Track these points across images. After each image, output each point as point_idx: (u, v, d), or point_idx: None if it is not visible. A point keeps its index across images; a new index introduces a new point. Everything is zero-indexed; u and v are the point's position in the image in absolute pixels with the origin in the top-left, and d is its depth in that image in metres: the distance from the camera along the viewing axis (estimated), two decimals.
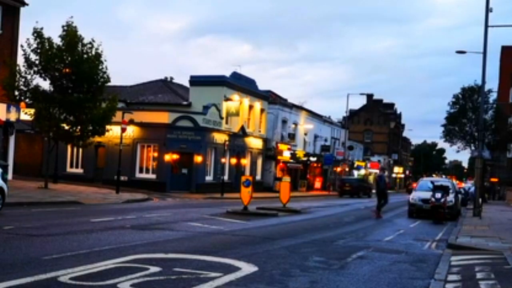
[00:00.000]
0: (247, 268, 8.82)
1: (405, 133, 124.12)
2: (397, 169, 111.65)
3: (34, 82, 27.62)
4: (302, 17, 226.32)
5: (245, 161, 46.66)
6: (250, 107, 46.93)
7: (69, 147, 37.91)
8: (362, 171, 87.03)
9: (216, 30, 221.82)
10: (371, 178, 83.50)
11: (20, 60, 28.10)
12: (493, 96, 60.56)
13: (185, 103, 41.78)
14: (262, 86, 51.34)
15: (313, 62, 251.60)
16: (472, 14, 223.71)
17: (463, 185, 73.28)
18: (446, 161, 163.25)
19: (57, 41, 27.31)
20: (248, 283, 7.76)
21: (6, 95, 27.99)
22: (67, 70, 27.36)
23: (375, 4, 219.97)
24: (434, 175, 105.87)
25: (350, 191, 50.81)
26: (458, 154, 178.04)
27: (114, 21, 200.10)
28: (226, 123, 42.48)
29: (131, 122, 34.62)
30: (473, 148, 56.43)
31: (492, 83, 62.43)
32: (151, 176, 38.04)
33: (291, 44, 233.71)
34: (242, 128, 45.23)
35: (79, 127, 28.25)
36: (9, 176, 27.56)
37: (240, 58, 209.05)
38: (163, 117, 38.11)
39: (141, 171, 38.50)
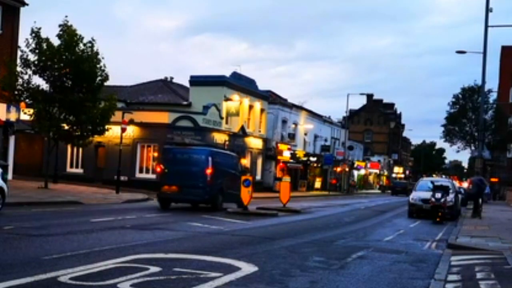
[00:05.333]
0: (247, 268, 8.82)
1: (405, 133, 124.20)
2: (397, 169, 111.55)
3: (33, 82, 27.62)
4: (300, 15, 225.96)
5: (245, 161, 46.61)
6: (250, 107, 46.92)
7: (69, 147, 37.91)
8: (362, 171, 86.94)
9: (213, 28, 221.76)
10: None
11: (20, 60, 28.06)
12: (493, 96, 60.63)
13: (185, 103, 41.78)
14: (261, 85, 51.44)
15: (312, 61, 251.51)
16: (472, 13, 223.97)
17: (463, 185, 73.19)
18: (446, 161, 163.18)
19: (55, 40, 27.31)
20: (248, 283, 7.75)
21: (6, 95, 27.97)
22: (66, 69, 27.33)
23: (374, 2, 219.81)
24: (434, 175, 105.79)
25: (400, 191, 65.64)
26: (458, 154, 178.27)
27: (110, 19, 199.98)
28: (226, 123, 42.47)
29: (131, 122, 34.59)
30: (473, 148, 56.52)
31: (492, 83, 62.46)
32: (151, 176, 37.92)
33: (289, 43, 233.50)
34: (242, 128, 45.22)
35: (79, 127, 28.24)
36: (9, 176, 27.54)
37: (238, 57, 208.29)
38: (163, 117, 38.11)
39: (141, 171, 38.51)
